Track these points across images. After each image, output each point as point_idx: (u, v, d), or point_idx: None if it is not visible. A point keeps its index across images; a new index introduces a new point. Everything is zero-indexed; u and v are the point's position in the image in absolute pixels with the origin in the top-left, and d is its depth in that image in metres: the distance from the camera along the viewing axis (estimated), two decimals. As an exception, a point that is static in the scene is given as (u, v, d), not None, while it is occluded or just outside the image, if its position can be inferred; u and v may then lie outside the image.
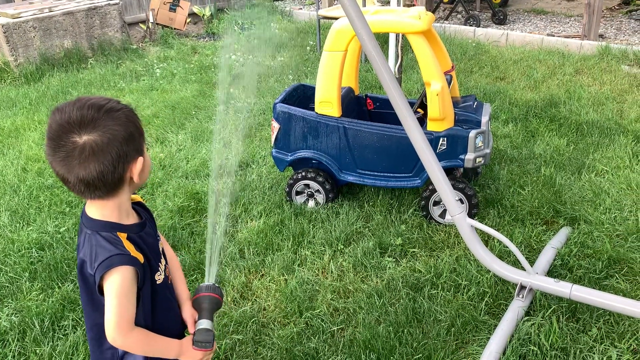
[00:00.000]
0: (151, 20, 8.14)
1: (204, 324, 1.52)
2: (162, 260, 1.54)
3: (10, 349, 2.42)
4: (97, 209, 1.39)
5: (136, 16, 8.59)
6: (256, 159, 4.33)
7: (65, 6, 7.11)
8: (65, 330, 2.55)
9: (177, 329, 1.58)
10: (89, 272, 1.34)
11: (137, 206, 1.55)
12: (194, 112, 5.32)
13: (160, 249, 1.56)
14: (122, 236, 1.38)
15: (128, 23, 8.13)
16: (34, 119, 5.25)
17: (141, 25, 8.33)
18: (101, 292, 1.35)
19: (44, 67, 6.66)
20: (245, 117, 5.14)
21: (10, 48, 6.46)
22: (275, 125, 3.56)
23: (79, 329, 2.54)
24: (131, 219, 1.46)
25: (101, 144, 1.27)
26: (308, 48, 7.49)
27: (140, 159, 1.37)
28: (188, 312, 1.60)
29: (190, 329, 1.57)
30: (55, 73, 6.61)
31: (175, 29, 8.46)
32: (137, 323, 1.41)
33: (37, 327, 2.54)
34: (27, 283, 2.88)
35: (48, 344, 2.45)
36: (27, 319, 2.60)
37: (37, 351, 2.41)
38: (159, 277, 1.48)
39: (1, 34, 6.37)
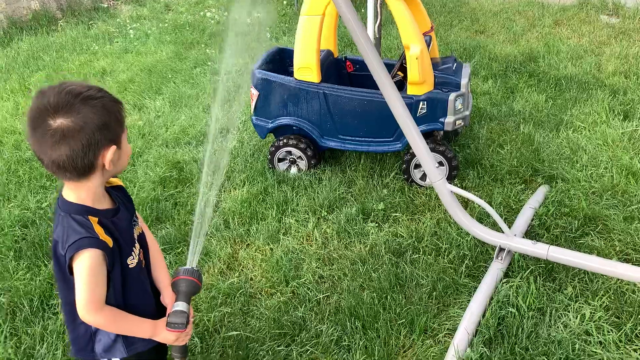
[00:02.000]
0: (121, -24, 7.84)
1: (179, 305, 1.56)
2: (137, 245, 1.57)
3: (2, 330, 2.45)
4: (72, 192, 1.43)
5: (105, -28, 8.26)
6: (236, 125, 4.30)
7: (30, -35, 6.81)
8: (55, 309, 2.58)
9: (151, 311, 1.62)
10: (61, 253, 1.39)
11: (116, 190, 1.58)
12: (170, 76, 5.23)
13: (136, 235, 1.59)
14: (94, 220, 1.42)
15: (97, -20, 7.83)
16: (6, 88, 5.12)
17: (111, -18, 8.03)
18: (71, 272, 1.40)
19: (12, 31, 6.44)
20: (223, 80, 5.06)
21: (-26, 12, 6.22)
22: (255, 92, 3.52)
23: (68, 307, 2.58)
24: (105, 204, 1.49)
25: (73, 129, 1.31)
26: (285, 2, 7.31)
27: (113, 147, 1.39)
28: (168, 297, 1.64)
29: (169, 310, 1.61)
30: (25, 37, 6.40)
31: (146, -15, 8.17)
32: (109, 302, 1.46)
33: (27, 307, 2.56)
34: (13, 262, 2.88)
35: (39, 324, 2.48)
36: (15, 299, 2.62)
37: (29, 331, 2.45)
38: (132, 262, 1.52)
39: (-36, -3, 6.11)
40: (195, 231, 1.75)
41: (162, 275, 1.68)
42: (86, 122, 1.32)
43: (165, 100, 4.74)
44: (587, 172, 3.43)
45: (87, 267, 1.37)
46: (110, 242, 1.42)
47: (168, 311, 1.59)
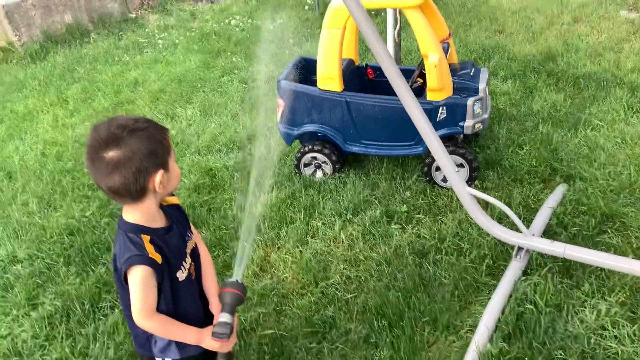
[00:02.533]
0: (147, -13, 8.10)
1: (224, 317, 1.73)
2: (187, 259, 1.75)
3: (59, 331, 2.69)
4: (129, 213, 1.63)
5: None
6: (264, 131, 4.49)
7: (62, -20, 7.10)
8: (104, 311, 2.81)
9: (200, 318, 1.80)
10: (118, 266, 1.61)
11: (172, 208, 1.76)
12: (199, 85, 5.44)
13: (189, 250, 1.77)
14: (146, 238, 1.61)
15: (124, -9, 8.11)
16: (45, 101, 5.41)
17: (138, -8, 8.29)
18: (127, 281, 1.61)
19: (48, 45, 6.74)
20: (250, 88, 5.26)
21: (13, 28, 6.53)
22: (281, 102, 3.70)
23: (116, 309, 2.80)
24: (158, 222, 1.68)
25: (123, 159, 1.49)
26: (306, 7, 7.47)
27: (161, 171, 1.57)
28: (215, 306, 1.83)
29: (215, 320, 1.78)
30: (59, 50, 6.70)
31: (172, -7, 8.42)
32: (160, 310, 1.67)
33: (79, 309, 2.80)
34: (64, 268, 3.13)
35: (91, 325, 2.71)
36: (68, 303, 2.86)
37: (82, 332, 2.68)
38: (181, 275, 1.71)
39: (3, 15, 6.42)
40: (241, 248, 1.92)
41: (211, 286, 1.86)
42: (134, 152, 1.49)
43: (195, 109, 4.95)
44: (605, 170, 3.52)
45: (139, 280, 1.57)
46: (159, 258, 1.60)
47: (215, 321, 1.76)
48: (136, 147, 1.49)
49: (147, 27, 7.35)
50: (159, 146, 1.56)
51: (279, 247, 3.20)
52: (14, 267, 3.23)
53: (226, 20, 7.28)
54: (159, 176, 1.56)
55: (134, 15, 7.70)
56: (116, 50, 6.61)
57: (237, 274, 1.81)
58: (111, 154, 1.48)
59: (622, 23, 5.62)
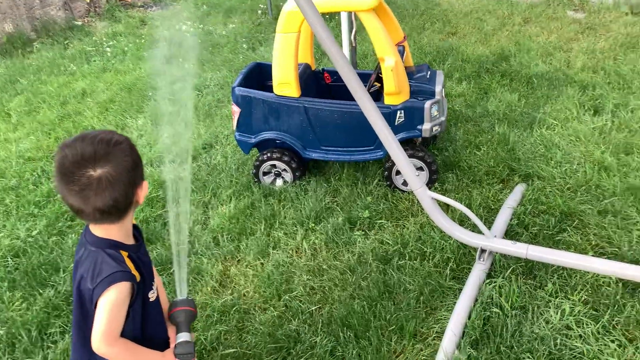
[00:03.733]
0: (93, -7, 7.84)
1: (183, 336, 1.64)
2: (156, 279, 1.66)
3: (2, 363, 2.50)
4: (102, 229, 1.50)
5: (77, -10, 8.24)
6: (219, 139, 4.37)
7: (1, -13, 6.77)
8: (54, 337, 2.63)
9: (164, 341, 1.70)
10: (88, 287, 1.46)
11: (135, 230, 1.66)
12: (150, 94, 5.27)
13: (154, 271, 1.67)
14: (125, 254, 1.51)
15: (69, -2, 7.81)
16: (-14, 114, 5.12)
17: (83, -1, 8.01)
18: (95, 305, 1.46)
19: (-13, 55, 6.41)
20: (203, 95, 5.12)
21: (-52, 38, 6.18)
22: (236, 109, 3.60)
23: (66, 335, 2.63)
24: (131, 239, 1.59)
25: (116, 174, 1.40)
26: (259, 12, 7.37)
27: (145, 182, 1.51)
28: (169, 329, 1.73)
29: (171, 343, 1.69)
30: (0, 60, 6.37)
31: None
32: (126, 335, 1.53)
33: (25, 337, 2.61)
34: (8, 293, 2.93)
35: (39, 354, 2.53)
36: (13, 331, 2.67)
37: (29, 361, 2.50)
38: (152, 295, 1.61)
39: (-64, 24, 6.07)
40: (176, 262, 1.82)
41: (164, 307, 1.76)
42: (124, 166, 1.41)
43: (146, 118, 4.78)
44: (562, 168, 3.56)
45: (115, 299, 1.44)
46: (138, 276, 1.51)
47: (172, 342, 1.67)
48: (123, 161, 1.42)
49: (94, 35, 7.10)
50: (137, 157, 1.50)
51: (239, 261, 3.09)
52: (-47, 295, 3.00)
53: (176, 27, 7.10)
54: (144, 188, 1.50)
55: (80, 23, 7.42)
56: (62, 59, 6.34)
57: (183, 292, 1.72)
58: (100, 171, 1.38)
59: (569, 23, 5.76)
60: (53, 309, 2.79)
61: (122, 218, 1.49)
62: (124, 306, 1.48)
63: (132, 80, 5.57)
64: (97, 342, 1.47)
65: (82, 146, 1.38)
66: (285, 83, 3.42)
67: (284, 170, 3.65)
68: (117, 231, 1.51)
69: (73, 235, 3.35)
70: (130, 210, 1.50)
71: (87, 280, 1.46)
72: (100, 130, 1.47)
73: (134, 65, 5.99)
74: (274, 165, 3.65)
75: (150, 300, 1.60)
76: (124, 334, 1.53)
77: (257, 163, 3.67)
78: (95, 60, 6.25)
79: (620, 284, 2.61)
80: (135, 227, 1.67)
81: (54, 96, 5.39)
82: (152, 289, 1.61)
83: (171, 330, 1.71)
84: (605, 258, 2.74)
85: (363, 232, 3.20)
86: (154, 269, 1.78)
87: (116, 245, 1.50)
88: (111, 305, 1.44)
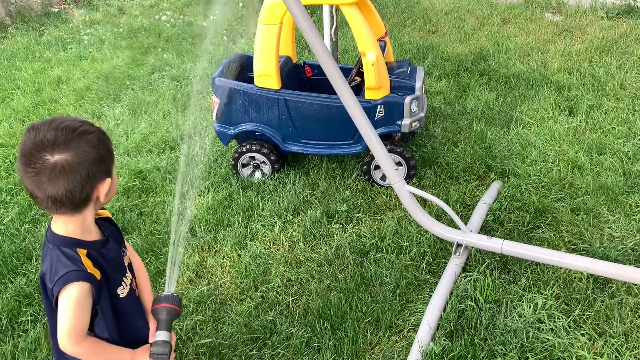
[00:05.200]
0: (71, -20, 7.69)
1: (161, 335, 1.58)
2: (128, 274, 1.61)
3: (-29, 351, 2.45)
4: (62, 225, 1.46)
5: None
6: (198, 130, 4.33)
7: (-26, -30, 6.60)
8: (25, 326, 2.59)
9: (147, 337, 1.66)
10: (49, 285, 1.43)
11: (104, 222, 1.61)
12: (128, 83, 5.19)
13: (126, 264, 1.63)
14: (82, 252, 1.45)
15: (46, -16, 7.65)
16: (-43, 100, 4.98)
17: (60, -15, 7.85)
18: (57, 304, 1.43)
19: (-41, 39, 6.24)
20: (182, 86, 5.07)
21: None
22: (216, 100, 3.57)
23: (37, 324, 2.59)
24: (94, 235, 1.52)
25: (72, 164, 1.34)
26: (241, 4, 7.32)
27: (108, 180, 1.44)
28: (151, 322, 1.69)
29: (150, 339, 1.64)
30: (-28, 45, 6.22)
31: (98, -12, 8.03)
32: (100, 335, 1.51)
33: (-5, 326, 2.56)
34: (-22, 281, 2.86)
35: (9, 342, 2.48)
36: (-17, 319, 2.61)
37: (-1, 350, 2.46)
38: (122, 291, 1.56)
39: None
40: (171, 258, 1.80)
41: (147, 300, 1.72)
42: (85, 156, 1.35)
43: (124, 107, 4.71)
44: (537, 167, 3.62)
45: (73, 300, 1.40)
46: (98, 274, 1.45)
47: (150, 339, 1.63)
48: (87, 152, 1.36)
49: (71, 22, 6.96)
50: (106, 152, 1.43)
51: (215, 252, 3.07)
52: None
53: (156, 17, 7.01)
54: (105, 185, 1.43)
55: (56, 10, 7.27)
56: (37, 46, 6.20)
57: (170, 287, 1.69)
58: (57, 157, 1.32)
59: (547, 25, 5.85)
60: (24, 297, 2.74)
61: (78, 211, 1.43)
62: (85, 305, 1.43)
63: (109, 69, 5.48)
64: (63, 341, 1.43)
65: (46, 130, 1.33)
66: (266, 75, 3.41)
67: (263, 162, 3.64)
68: (75, 227, 1.46)
69: (46, 223, 3.29)
70: (88, 205, 1.44)
71: (47, 279, 1.43)
72: (74, 117, 1.41)
73: (111, 54, 5.89)
74: (253, 158, 3.64)
75: (121, 296, 1.55)
76: (97, 334, 1.51)
77: (236, 155, 3.65)
78: (71, 48, 6.13)
79: (591, 280, 2.67)
80: (107, 219, 1.63)
81: (29, 83, 5.27)
82: (121, 284, 1.56)
83: (152, 324, 1.66)
84: (577, 254, 2.79)
85: (341, 226, 3.21)
86: (140, 262, 1.76)
87: (74, 243, 1.45)
88: (70, 304, 1.40)
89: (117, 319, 1.54)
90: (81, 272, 1.41)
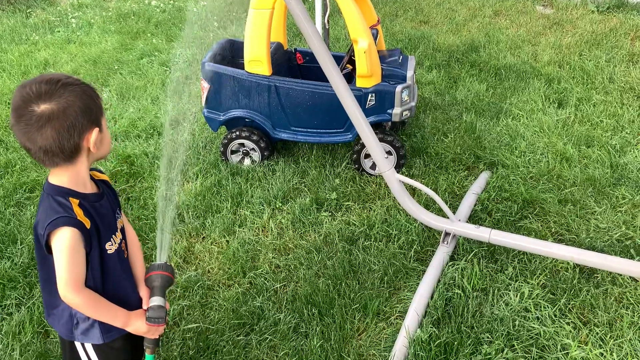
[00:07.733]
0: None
1: (156, 300, 1.63)
2: (118, 234, 1.63)
3: (-46, 334, 2.42)
4: (57, 176, 1.50)
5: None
6: (187, 116, 4.29)
7: (-41, -51, 6.47)
8: (9, 309, 2.56)
9: (131, 302, 1.68)
10: (40, 232, 1.46)
11: (104, 184, 1.65)
12: (116, 67, 5.13)
13: (119, 226, 1.65)
14: (74, 202, 1.49)
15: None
16: (-60, 81, 4.89)
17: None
18: (49, 250, 1.46)
19: (-57, 20, 6.12)
20: (172, 71, 5.02)
21: None
22: (205, 85, 3.54)
23: (22, 307, 2.56)
24: (88, 189, 1.55)
25: (56, 111, 1.38)
26: (231, -9, 7.25)
27: (96, 129, 1.47)
28: (143, 291, 1.71)
29: (145, 306, 1.68)
30: (-43, 26, 6.10)
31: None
32: (87, 285, 1.52)
33: (-22, 309, 2.53)
34: (-39, 263, 2.82)
35: (-7, 326, 2.46)
36: (-34, 301, 2.58)
37: (-17, 333, 2.43)
38: (110, 247, 1.58)
39: None
40: (160, 227, 1.80)
41: (139, 271, 1.74)
42: (69, 104, 1.39)
43: (112, 92, 4.66)
44: (525, 158, 3.64)
45: (66, 245, 1.43)
46: (88, 223, 1.48)
47: (144, 305, 1.66)
48: (71, 101, 1.40)
49: (58, 5, 6.85)
50: (93, 103, 1.46)
51: (204, 237, 3.05)
52: None
53: (146, 1, 6.92)
54: (94, 134, 1.46)
55: (43, -8, 7.15)
56: (24, 28, 6.11)
57: (163, 257, 1.70)
58: (43, 107, 1.37)
59: (538, 17, 5.87)
60: (9, 280, 2.71)
61: (71, 162, 1.47)
62: (78, 251, 1.47)
63: (97, 53, 5.41)
64: (62, 289, 1.46)
65: (32, 84, 1.39)
66: (257, 60, 3.38)
67: (252, 149, 3.62)
68: (70, 179, 1.50)
69: (32, 206, 3.25)
70: (80, 155, 1.48)
71: (39, 225, 1.47)
72: (61, 73, 1.46)
73: (100, 38, 5.81)
74: (242, 144, 3.62)
75: (108, 252, 1.58)
76: (87, 284, 1.52)
77: (226, 141, 3.62)
78: (59, 31, 6.04)
79: (577, 270, 2.70)
80: (105, 182, 1.65)
81: (15, 65, 5.19)
82: (110, 241, 1.58)
83: (145, 293, 1.69)
84: (564, 244, 2.81)
85: (330, 213, 3.21)
86: (133, 233, 1.78)
87: (67, 193, 1.49)
88: (65, 249, 1.44)
89: (103, 272, 1.57)
90: (70, 218, 1.45)
